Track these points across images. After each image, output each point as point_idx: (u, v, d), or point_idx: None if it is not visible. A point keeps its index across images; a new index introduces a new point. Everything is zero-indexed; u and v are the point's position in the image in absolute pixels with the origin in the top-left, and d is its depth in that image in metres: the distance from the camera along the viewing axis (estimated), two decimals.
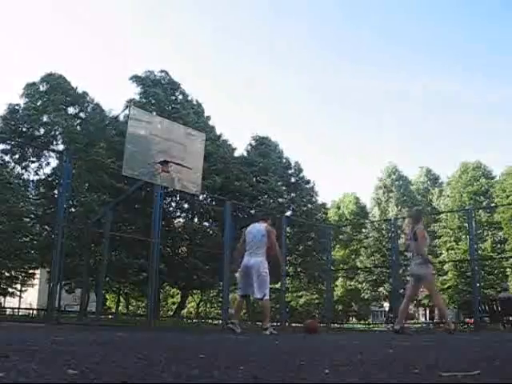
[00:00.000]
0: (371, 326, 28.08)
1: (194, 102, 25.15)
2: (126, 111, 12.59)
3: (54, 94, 23.27)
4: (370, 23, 74.50)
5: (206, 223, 22.18)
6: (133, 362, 2.14)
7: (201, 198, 21.07)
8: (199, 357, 2.57)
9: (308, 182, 27.99)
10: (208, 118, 25.36)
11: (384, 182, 40.28)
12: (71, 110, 24.12)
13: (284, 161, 28.07)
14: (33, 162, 23.15)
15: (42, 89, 23.73)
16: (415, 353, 3.45)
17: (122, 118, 18.66)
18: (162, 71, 24.94)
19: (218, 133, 25.23)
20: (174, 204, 22.78)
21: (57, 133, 22.99)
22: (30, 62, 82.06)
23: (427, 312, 39.37)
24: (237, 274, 6.75)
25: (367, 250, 36.53)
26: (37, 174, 23.20)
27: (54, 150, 22.93)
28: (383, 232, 34.97)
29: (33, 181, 23.26)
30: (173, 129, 10.93)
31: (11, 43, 77.31)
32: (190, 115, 22.56)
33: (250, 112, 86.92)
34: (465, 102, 72.96)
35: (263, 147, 26.93)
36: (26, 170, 23.10)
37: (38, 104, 23.01)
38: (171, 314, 30.72)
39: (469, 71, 73.02)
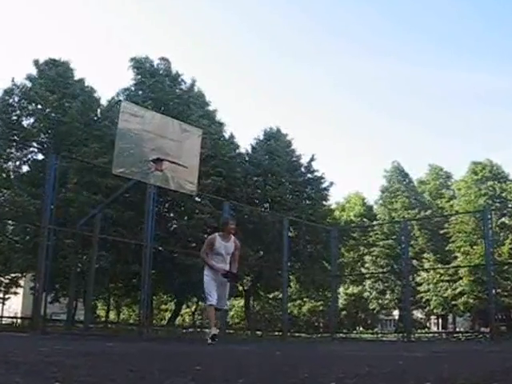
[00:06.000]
0: (379, 335, 28.07)
1: (196, 91, 24.84)
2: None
3: (52, 82, 23.07)
4: (383, 10, 74.42)
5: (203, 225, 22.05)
6: (124, 375, 2.14)
7: (197, 199, 20.98)
8: (195, 368, 2.57)
9: (319, 181, 26.48)
10: (215, 111, 24.77)
11: (389, 182, 40.13)
12: (67, 102, 23.79)
13: (294, 159, 26.58)
14: (25, 154, 22.77)
15: (44, 74, 23.50)
16: (427, 364, 3.45)
17: (114, 111, 18.58)
18: (162, 59, 24.45)
19: (225, 129, 24.81)
20: (167, 205, 22.69)
21: (46, 124, 22.70)
22: (27, 49, 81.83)
23: (439, 321, 39.35)
24: None
25: (374, 256, 36.37)
26: (18, 170, 22.84)
27: (41, 145, 22.74)
28: (391, 236, 34.84)
29: (16, 177, 22.94)
30: (167, 124, 10.86)
31: (9, 28, 77.07)
32: (192, 108, 22.41)
33: (250, 105, 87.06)
34: (475, 94, 72.85)
35: (271, 142, 26.07)
36: (7, 163, 22.68)
37: (32, 93, 22.78)
38: (165, 322, 30.70)
39: (479, 59, 72.70)
